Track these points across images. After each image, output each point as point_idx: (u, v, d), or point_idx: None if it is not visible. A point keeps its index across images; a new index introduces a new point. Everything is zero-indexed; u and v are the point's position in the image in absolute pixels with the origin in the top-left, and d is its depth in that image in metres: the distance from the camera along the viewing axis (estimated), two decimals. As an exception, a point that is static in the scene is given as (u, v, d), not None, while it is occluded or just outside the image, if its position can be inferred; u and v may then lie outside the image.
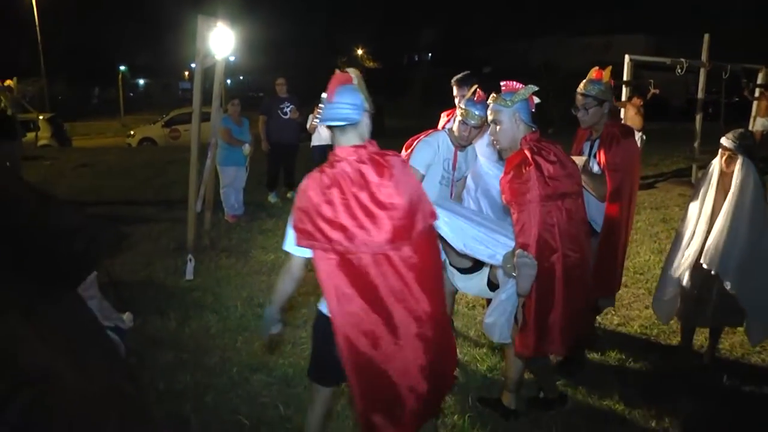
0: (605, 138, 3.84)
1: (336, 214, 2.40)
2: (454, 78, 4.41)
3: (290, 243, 2.51)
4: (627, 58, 10.62)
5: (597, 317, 4.57)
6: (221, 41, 5.86)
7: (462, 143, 4.02)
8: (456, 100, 4.28)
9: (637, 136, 10.35)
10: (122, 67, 39.52)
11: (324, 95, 2.58)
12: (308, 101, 9.47)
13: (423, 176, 3.98)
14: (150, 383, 3.87)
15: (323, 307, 2.65)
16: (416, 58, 50.84)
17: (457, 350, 4.39)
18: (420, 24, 42.70)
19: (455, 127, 3.96)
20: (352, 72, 2.59)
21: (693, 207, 4.11)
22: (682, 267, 4.06)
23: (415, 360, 2.52)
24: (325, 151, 9.00)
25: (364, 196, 2.43)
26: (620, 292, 5.45)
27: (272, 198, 9.42)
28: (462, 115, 3.88)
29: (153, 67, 56.35)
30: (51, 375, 2.12)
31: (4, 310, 2.03)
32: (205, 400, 3.74)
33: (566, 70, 24.93)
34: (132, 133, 22.40)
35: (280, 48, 40.67)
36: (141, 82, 58.64)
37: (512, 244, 3.11)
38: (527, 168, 3.08)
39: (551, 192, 3.07)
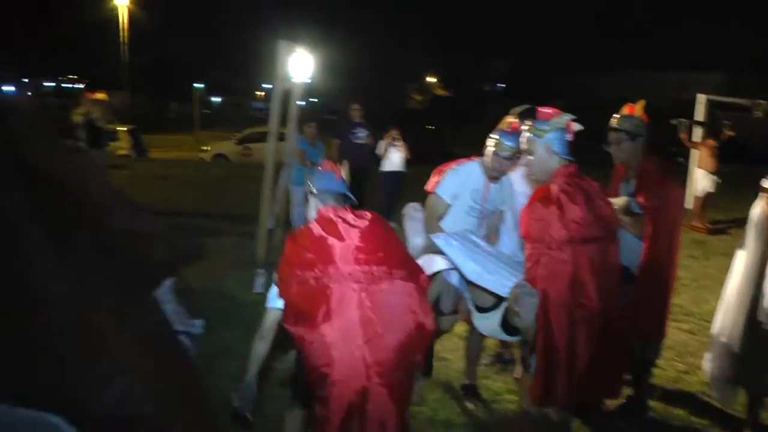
0: (641, 177, 3.70)
1: (330, 254, 2.59)
2: (513, 110, 4.19)
3: (273, 298, 2.76)
4: (702, 97, 10.43)
5: (654, 363, 4.22)
6: (300, 65, 6.11)
7: (493, 174, 3.91)
8: None
9: (710, 178, 10.11)
10: (199, 85, 41.06)
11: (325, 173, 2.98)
12: (380, 126, 9.68)
13: (449, 205, 3.91)
14: (216, 389, 4.02)
15: None
16: (487, 88, 50.91)
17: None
18: (492, 54, 42.84)
19: (486, 158, 3.87)
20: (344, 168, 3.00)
21: (739, 258, 3.72)
22: (734, 327, 3.66)
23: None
24: (395, 176, 9.14)
25: (354, 234, 2.64)
26: (686, 338, 5.43)
27: (341, 219, 9.60)
28: (494, 146, 3.79)
29: (227, 85, 58.46)
30: (138, 369, 2.30)
31: (98, 308, 2.20)
32: (267, 411, 3.84)
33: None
34: (206, 148, 23.21)
35: (352, 72, 41.50)
36: (216, 99, 60.64)
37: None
38: (549, 206, 2.91)
39: (571, 236, 2.86)
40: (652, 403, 4.23)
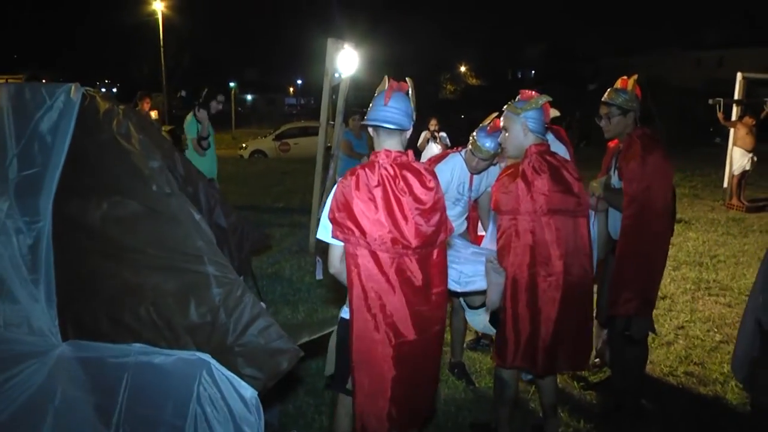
0: (625, 150, 3.59)
1: (376, 213, 2.50)
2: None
3: (325, 233, 2.60)
4: (739, 75, 10.42)
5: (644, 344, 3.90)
6: (347, 61, 6.41)
7: (472, 172, 3.94)
8: None
9: (748, 156, 10.12)
10: (231, 84, 41.71)
11: (377, 97, 2.65)
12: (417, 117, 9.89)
13: None
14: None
15: (345, 313, 2.72)
16: (519, 75, 50.50)
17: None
18: (523, 40, 42.50)
19: (466, 155, 3.89)
20: (409, 82, 2.68)
21: None
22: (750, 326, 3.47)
23: (430, 357, 2.73)
24: (434, 167, 9.36)
25: (407, 201, 2.53)
26: (724, 311, 5.57)
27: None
28: (471, 145, 3.74)
29: (260, 83, 59.17)
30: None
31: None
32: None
33: (677, 86, 24.18)
34: (244, 145, 23.68)
35: (384, 66, 41.70)
36: (249, 97, 61.29)
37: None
38: (516, 179, 3.02)
39: (537, 207, 2.98)
40: (692, 368, 4.44)
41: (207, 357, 2.31)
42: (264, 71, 58.54)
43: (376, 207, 2.49)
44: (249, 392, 2.34)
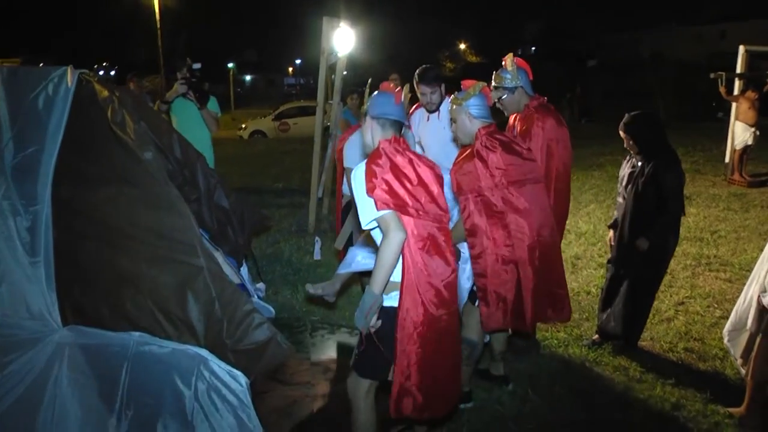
0: (522, 123, 3.81)
1: (414, 184, 2.65)
2: (417, 72, 4.37)
3: (369, 212, 2.58)
4: (741, 48, 10.28)
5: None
6: (343, 40, 6.35)
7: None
8: (422, 98, 4.38)
9: (750, 131, 10.01)
10: (230, 65, 41.45)
11: (382, 94, 2.82)
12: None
13: None
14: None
15: (389, 300, 2.67)
16: (520, 52, 50.17)
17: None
18: (523, 17, 42.13)
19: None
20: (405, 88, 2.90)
21: None
22: (750, 299, 3.51)
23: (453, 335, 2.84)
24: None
25: (430, 174, 2.74)
26: (724, 287, 5.55)
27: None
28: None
29: (258, 63, 58.85)
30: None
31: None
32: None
33: (678, 61, 23.97)
34: (243, 126, 23.64)
35: (382, 44, 41.43)
36: (247, 78, 60.99)
37: None
38: (472, 160, 3.22)
39: (497, 182, 3.18)
40: (692, 344, 4.45)
41: (204, 352, 2.33)
42: (262, 51, 58.20)
43: (410, 180, 2.65)
44: (244, 380, 2.37)
